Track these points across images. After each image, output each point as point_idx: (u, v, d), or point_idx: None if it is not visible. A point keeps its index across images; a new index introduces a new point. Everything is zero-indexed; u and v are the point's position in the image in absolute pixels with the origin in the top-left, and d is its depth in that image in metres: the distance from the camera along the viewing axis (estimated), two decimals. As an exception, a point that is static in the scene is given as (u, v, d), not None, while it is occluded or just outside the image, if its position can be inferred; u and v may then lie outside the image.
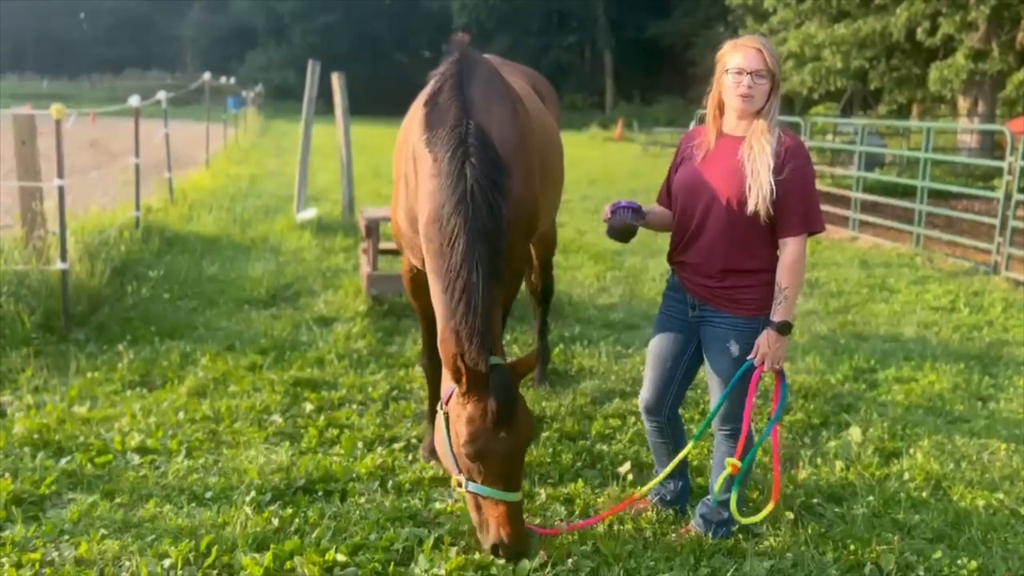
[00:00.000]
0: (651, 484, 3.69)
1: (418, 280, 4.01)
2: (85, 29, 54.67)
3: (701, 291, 3.44)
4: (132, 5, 54.81)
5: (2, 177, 8.81)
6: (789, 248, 3.26)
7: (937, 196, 13.69)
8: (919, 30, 18.88)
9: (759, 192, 3.18)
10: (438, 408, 3.36)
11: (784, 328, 3.25)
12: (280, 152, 21.65)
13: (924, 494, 4.12)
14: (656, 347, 3.66)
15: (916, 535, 3.74)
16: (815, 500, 4.02)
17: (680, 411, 3.80)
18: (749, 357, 3.30)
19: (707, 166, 3.36)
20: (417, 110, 3.80)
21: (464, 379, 3.07)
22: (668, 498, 3.86)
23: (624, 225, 3.44)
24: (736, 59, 3.26)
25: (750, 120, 3.28)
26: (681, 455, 3.59)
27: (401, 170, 3.89)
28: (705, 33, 38.41)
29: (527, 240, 4.08)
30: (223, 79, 26.94)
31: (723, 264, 3.35)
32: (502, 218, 3.30)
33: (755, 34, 3.38)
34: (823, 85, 21.91)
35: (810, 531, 3.71)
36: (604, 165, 22.21)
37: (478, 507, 3.23)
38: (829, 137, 20.59)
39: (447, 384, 3.30)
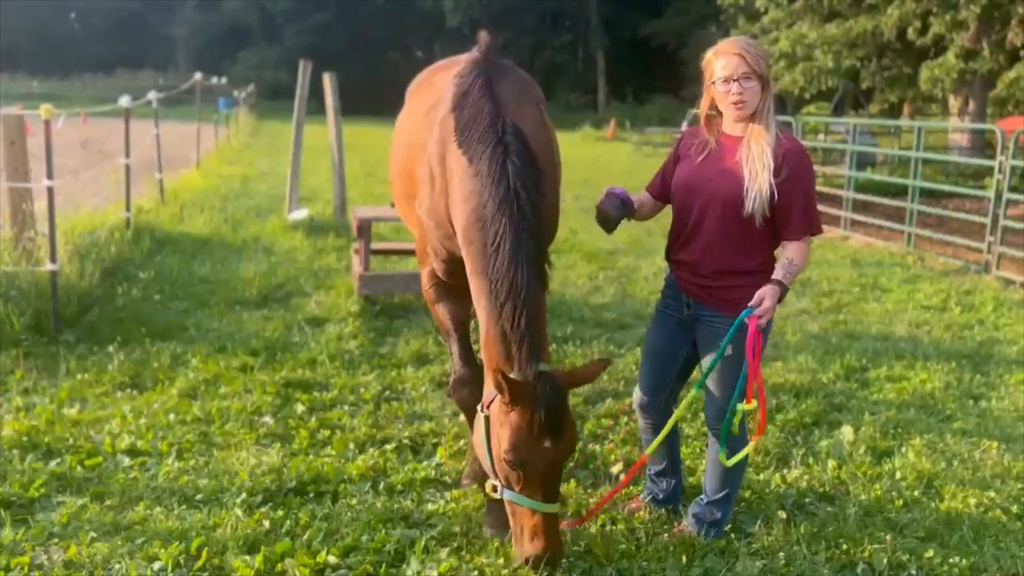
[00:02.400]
0: (635, 467, 3.69)
1: (440, 286, 3.84)
2: (77, 28, 54.43)
3: (696, 290, 3.44)
4: (124, 4, 54.59)
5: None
6: (794, 248, 3.27)
7: (928, 195, 13.73)
8: (910, 29, 18.92)
9: (757, 194, 3.18)
10: (479, 409, 3.24)
11: (784, 290, 3.24)
12: (272, 152, 21.57)
13: (916, 493, 4.13)
14: (650, 345, 3.67)
15: (908, 534, 3.75)
16: (807, 499, 4.02)
17: (674, 408, 3.79)
18: (751, 304, 3.19)
19: (706, 166, 3.35)
20: (438, 108, 3.67)
21: (507, 391, 2.95)
22: (660, 496, 3.85)
23: (605, 214, 3.49)
24: (720, 67, 3.26)
25: (747, 122, 3.28)
26: (661, 435, 3.54)
27: (422, 170, 3.71)
28: (697, 33, 38.42)
29: (551, 240, 4.02)
30: (214, 79, 26.82)
31: (718, 264, 3.35)
32: (543, 218, 3.27)
33: (740, 36, 3.36)
34: (815, 85, 21.94)
35: (802, 530, 3.71)
36: (597, 165, 22.20)
37: (514, 515, 3.13)
38: (821, 136, 20.65)
39: (489, 386, 3.18)
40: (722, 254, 3.34)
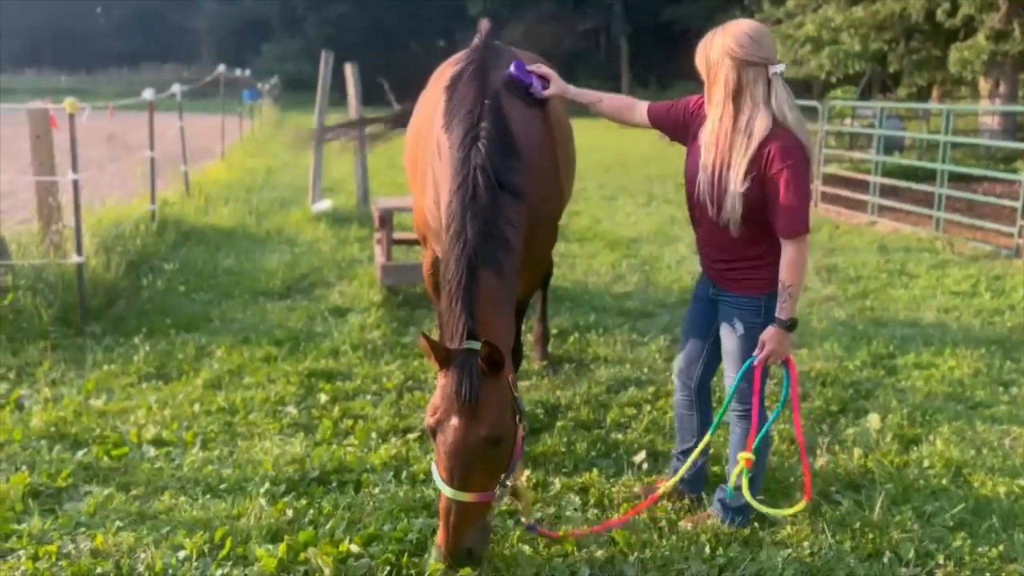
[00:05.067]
0: (673, 480, 3.63)
1: (439, 273, 3.96)
2: (102, 24, 54.90)
3: (711, 273, 3.53)
4: (147, -1, 55.12)
5: (20, 171, 8.86)
6: (786, 248, 3.20)
7: (958, 179, 13.50)
8: (939, 11, 18.58)
9: (728, 195, 3.18)
10: None
11: (791, 325, 3.23)
12: (296, 144, 21.63)
13: (944, 481, 4.07)
14: (687, 319, 3.78)
15: (936, 523, 3.69)
16: (833, 488, 3.98)
17: (709, 382, 3.79)
18: (755, 353, 3.28)
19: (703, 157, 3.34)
20: (437, 97, 3.76)
21: (426, 350, 2.98)
22: (684, 478, 3.83)
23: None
24: None
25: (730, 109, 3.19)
26: (701, 446, 3.57)
27: (427, 159, 3.81)
28: (721, 17, 37.32)
29: (550, 225, 4.05)
30: (238, 71, 26.94)
31: (722, 251, 3.40)
32: (510, 203, 3.24)
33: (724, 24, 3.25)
34: (841, 69, 21.60)
35: (828, 519, 3.67)
36: (619, 151, 22.06)
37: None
38: (848, 121, 20.38)
39: None
40: (722, 242, 3.36)
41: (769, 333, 3.25)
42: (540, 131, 3.75)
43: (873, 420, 4.76)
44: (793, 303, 3.20)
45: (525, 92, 3.74)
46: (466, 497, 2.93)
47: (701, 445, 3.57)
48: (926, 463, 4.27)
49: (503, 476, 3.06)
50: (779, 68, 3.12)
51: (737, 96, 3.13)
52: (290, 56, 48.45)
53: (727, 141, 3.18)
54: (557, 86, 3.78)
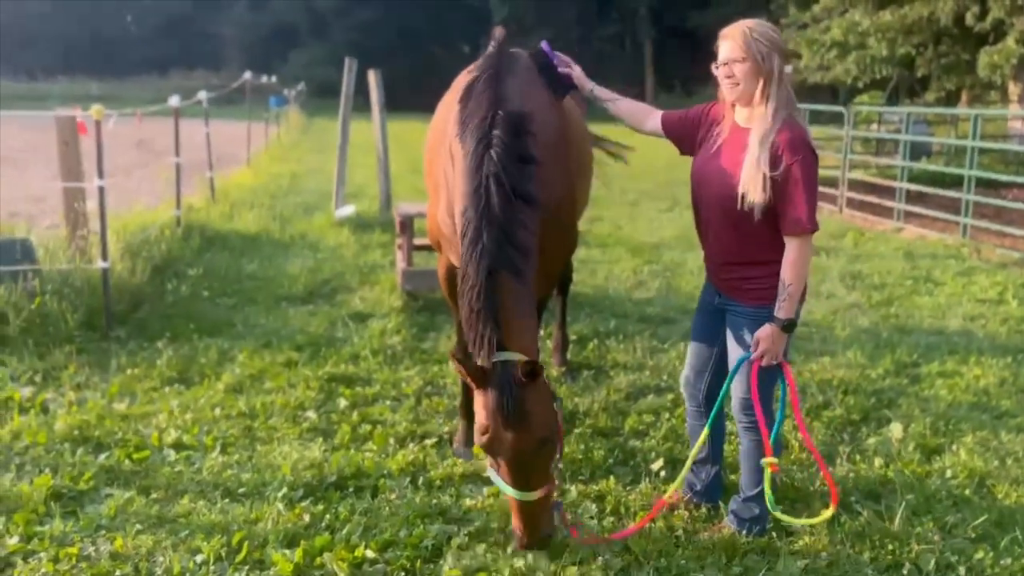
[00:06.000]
0: (679, 479, 3.61)
1: (455, 279, 3.99)
2: (133, 31, 55.63)
3: (716, 280, 3.52)
4: (176, 5, 55.66)
5: (50, 177, 8.98)
6: (789, 246, 3.18)
7: (986, 185, 13.33)
8: (968, 14, 18.36)
9: (748, 184, 3.16)
10: None
11: (787, 326, 3.21)
12: (321, 149, 21.79)
13: (967, 492, 4.02)
14: (694, 328, 3.78)
15: (958, 534, 3.65)
16: (852, 497, 3.94)
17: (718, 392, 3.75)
18: (749, 350, 3.29)
19: (716, 158, 3.36)
20: (454, 107, 3.78)
21: (462, 373, 3.04)
22: (698, 487, 3.82)
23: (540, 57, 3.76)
24: (720, 50, 3.26)
25: (751, 110, 3.24)
26: (698, 444, 3.56)
27: (439, 168, 3.86)
28: (748, 22, 37.82)
29: (565, 232, 4.05)
30: (264, 78, 27.21)
31: (729, 256, 3.38)
32: (525, 209, 3.24)
33: (750, 19, 3.27)
34: (868, 73, 21.40)
35: (846, 529, 3.64)
36: (644, 157, 21.86)
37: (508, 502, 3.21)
38: (874, 126, 20.19)
39: None
40: (731, 246, 3.34)
41: (764, 331, 3.22)
42: (554, 136, 3.75)
43: (895, 429, 4.71)
44: (791, 303, 3.18)
45: (548, 80, 3.80)
46: (535, 495, 3.06)
47: (694, 450, 3.55)
48: (949, 473, 4.22)
49: (556, 461, 3.19)
50: (789, 67, 3.24)
51: (767, 86, 3.16)
52: (317, 62, 48.76)
53: (755, 132, 3.19)
54: (579, 78, 3.80)
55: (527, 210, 3.23)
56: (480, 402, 3.06)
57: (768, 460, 3.31)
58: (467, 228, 3.21)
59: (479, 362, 3.04)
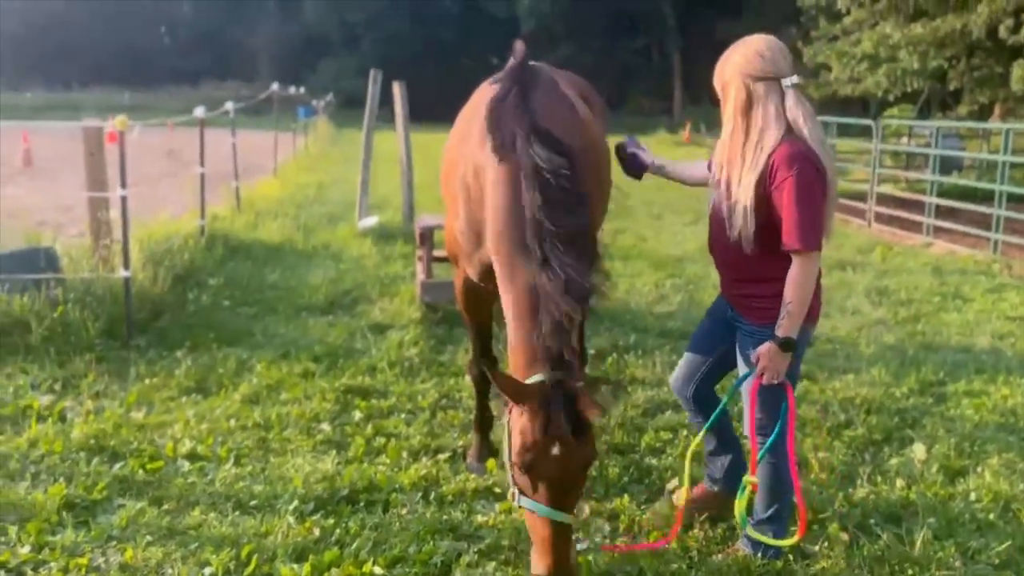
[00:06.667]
0: (684, 477, 3.51)
1: (472, 293, 4.04)
2: (166, 42, 56.43)
3: (726, 295, 3.49)
4: (208, 17, 56.43)
5: (81, 186, 9.08)
6: (792, 263, 3.10)
7: (1018, 200, 13.09)
8: (1001, 27, 18.12)
9: (738, 207, 3.13)
10: (505, 415, 3.17)
11: (785, 344, 3.11)
12: (349, 160, 21.89)
13: (991, 516, 3.91)
14: (694, 335, 3.73)
15: (981, 560, 3.55)
16: (872, 520, 3.84)
17: (711, 392, 3.72)
18: (751, 366, 3.22)
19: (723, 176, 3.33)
20: (474, 120, 3.75)
21: (503, 389, 2.90)
22: (716, 475, 3.79)
23: (621, 151, 3.87)
24: None
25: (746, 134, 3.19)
26: (696, 441, 3.53)
27: (457, 181, 3.81)
28: (776, 35, 37.52)
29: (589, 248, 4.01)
30: (291, 89, 27.45)
31: (738, 271, 3.33)
32: (583, 223, 3.21)
33: (755, 37, 3.27)
34: (899, 86, 21.19)
35: (865, 553, 3.55)
36: (670, 170, 21.87)
37: (531, 527, 3.00)
38: (904, 140, 19.95)
39: None
40: (737, 260, 3.27)
41: (763, 348, 3.14)
42: (577, 151, 3.70)
43: (918, 450, 4.60)
44: (791, 322, 3.09)
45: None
46: (571, 518, 2.92)
47: (699, 438, 3.47)
48: (973, 496, 4.11)
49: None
50: (792, 80, 3.09)
51: (747, 111, 3.12)
52: (346, 73, 49.16)
53: (739, 157, 3.15)
54: (648, 157, 3.84)
55: (584, 224, 3.20)
56: (524, 419, 2.90)
57: (749, 479, 3.25)
58: (529, 244, 3.12)
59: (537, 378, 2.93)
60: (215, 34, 56.69)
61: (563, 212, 3.11)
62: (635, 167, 3.85)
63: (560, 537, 2.88)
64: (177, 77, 53.14)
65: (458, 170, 3.84)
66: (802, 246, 3.03)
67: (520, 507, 2.97)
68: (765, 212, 3.08)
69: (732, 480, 3.71)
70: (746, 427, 3.44)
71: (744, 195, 3.09)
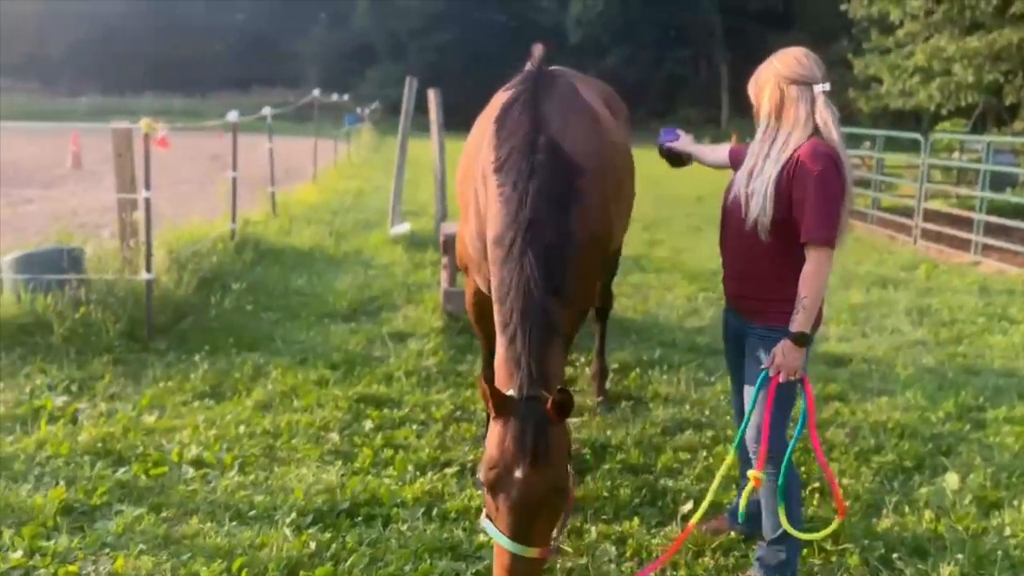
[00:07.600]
0: (699, 512, 3.34)
1: (483, 303, 3.94)
2: (217, 49, 57.34)
3: (733, 300, 3.43)
4: (259, 25, 57.30)
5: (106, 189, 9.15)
6: (807, 258, 3.07)
7: (1074, 218, 12.61)
8: (1060, 41, 17.58)
9: (755, 193, 3.14)
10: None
11: (800, 339, 3.05)
12: (390, 167, 21.87)
13: (1026, 553, 3.67)
14: (726, 359, 3.75)
15: (1012, 602, 3.32)
16: (895, 554, 3.62)
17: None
18: (764, 366, 3.13)
19: (742, 169, 3.32)
20: (486, 127, 3.66)
21: (488, 398, 2.77)
22: (740, 518, 3.60)
23: (661, 148, 3.86)
24: None
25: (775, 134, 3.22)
26: (723, 467, 3.29)
27: (469, 189, 3.75)
28: (827, 47, 37.05)
29: (598, 261, 3.88)
30: (335, 96, 27.66)
31: (744, 269, 3.30)
32: (568, 239, 3.13)
33: (793, 48, 3.28)
34: (952, 100, 20.62)
35: (886, 590, 3.34)
36: (714, 181, 21.54)
37: (495, 556, 2.81)
38: (956, 155, 19.43)
39: None
40: (747, 255, 3.25)
41: (779, 346, 3.09)
42: (594, 162, 3.57)
43: (951, 479, 4.36)
44: (805, 317, 3.04)
45: (583, 115, 3.78)
46: (532, 552, 2.71)
47: (723, 467, 3.28)
48: (1007, 531, 3.87)
49: (560, 528, 2.86)
50: (824, 87, 3.12)
51: (780, 111, 3.18)
52: (392, 82, 49.41)
53: (766, 150, 3.18)
54: (684, 143, 3.90)
55: (568, 239, 3.15)
56: (495, 432, 2.81)
57: (754, 474, 3.16)
58: (512, 273, 3.06)
59: (510, 392, 2.84)
60: (266, 42, 57.49)
61: (552, 230, 3.06)
62: (676, 162, 3.90)
63: (516, 567, 2.69)
64: (228, 84, 53.99)
65: (470, 177, 3.75)
66: (823, 238, 3.02)
67: (482, 529, 2.82)
68: (784, 205, 3.09)
69: (752, 524, 3.55)
70: (749, 439, 3.27)
71: (765, 184, 3.12)
